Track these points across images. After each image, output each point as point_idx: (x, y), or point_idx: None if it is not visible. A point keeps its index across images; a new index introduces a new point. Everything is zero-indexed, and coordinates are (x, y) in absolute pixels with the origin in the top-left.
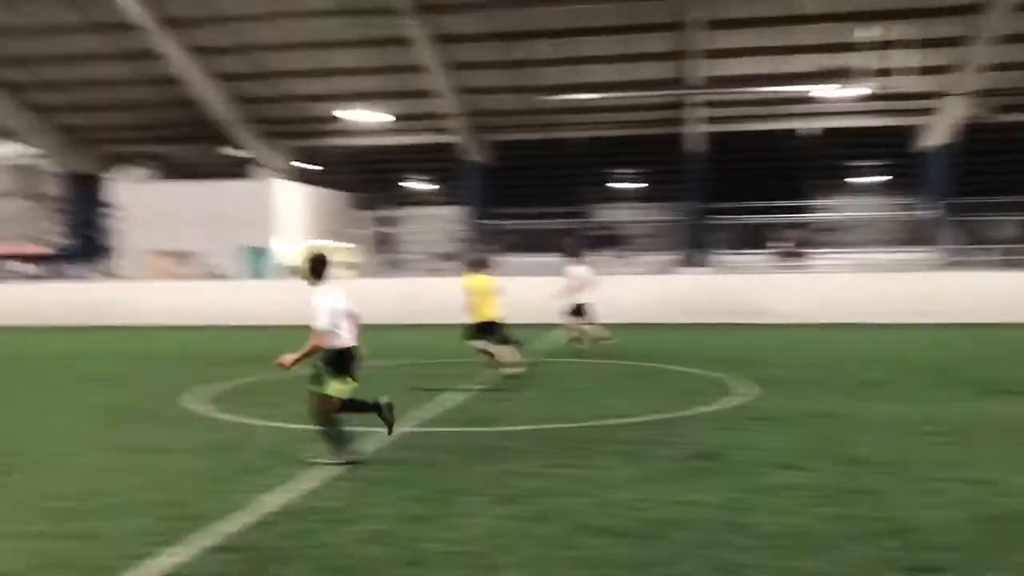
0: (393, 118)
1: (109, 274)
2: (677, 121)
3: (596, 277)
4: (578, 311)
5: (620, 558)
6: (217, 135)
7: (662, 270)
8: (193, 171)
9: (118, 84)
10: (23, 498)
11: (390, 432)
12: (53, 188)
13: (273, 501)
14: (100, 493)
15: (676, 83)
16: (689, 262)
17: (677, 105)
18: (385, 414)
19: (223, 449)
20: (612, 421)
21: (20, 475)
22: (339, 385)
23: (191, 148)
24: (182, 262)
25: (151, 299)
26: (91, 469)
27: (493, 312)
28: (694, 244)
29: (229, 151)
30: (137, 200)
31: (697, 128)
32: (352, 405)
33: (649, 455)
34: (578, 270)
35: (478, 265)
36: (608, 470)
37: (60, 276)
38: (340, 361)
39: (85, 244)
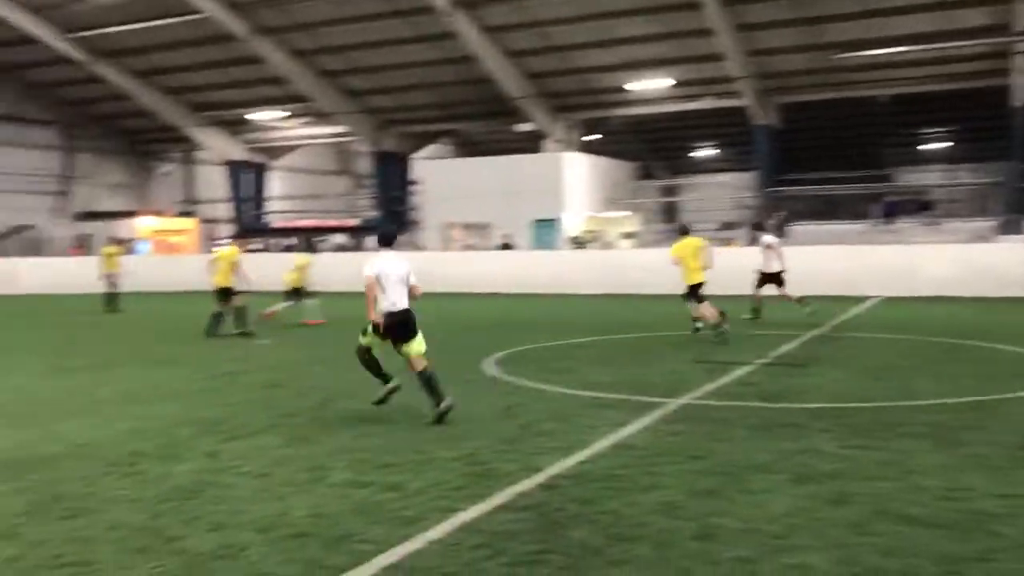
0: (678, 84)
1: (412, 245)
2: (999, 72)
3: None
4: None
5: (928, 549)
6: (509, 111)
7: (976, 238)
8: (486, 147)
9: (419, 66)
10: (335, 447)
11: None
12: (364, 166)
13: (560, 465)
14: (404, 448)
15: (1001, 30)
16: (1008, 229)
17: (1000, 55)
18: (383, 395)
19: (514, 412)
20: (917, 402)
21: (333, 426)
22: (366, 338)
23: (485, 124)
24: (477, 234)
25: (448, 268)
26: (397, 423)
27: (700, 275)
28: (1015, 209)
29: (520, 126)
30: (437, 176)
31: None
32: (368, 363)
33: (962, 441)
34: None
35: (684, 231)
36: (914, 454)
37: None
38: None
39: (390, 217)
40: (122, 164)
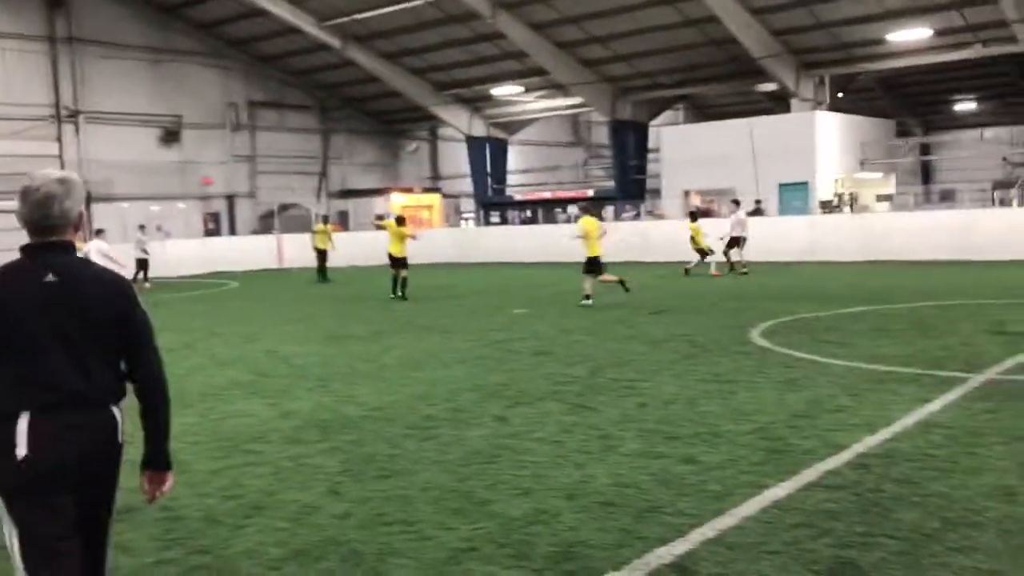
0: (937, 33)
1: (651, 214)
2: None
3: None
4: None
5: None
6: (751, 71)
7: None
8: (724, 111)
9: (657, 30)
10: (618, 417)
11: None
12: (598, 136)
13: (864, 443)
14: (689, 420)
15: None
16: None
17: None
18: None
19: (798, 385)
20: None
21: (610, 395)
22: None
23: (724, 87)
24: (720, 201)
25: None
26: (675, 396)
27: None
28: None
29: (762, 87)
30: (675, 142)
31: None
32: None
33: None
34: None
35: None
36: None
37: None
38: None
39: (627, 186)
40: (373, 144)
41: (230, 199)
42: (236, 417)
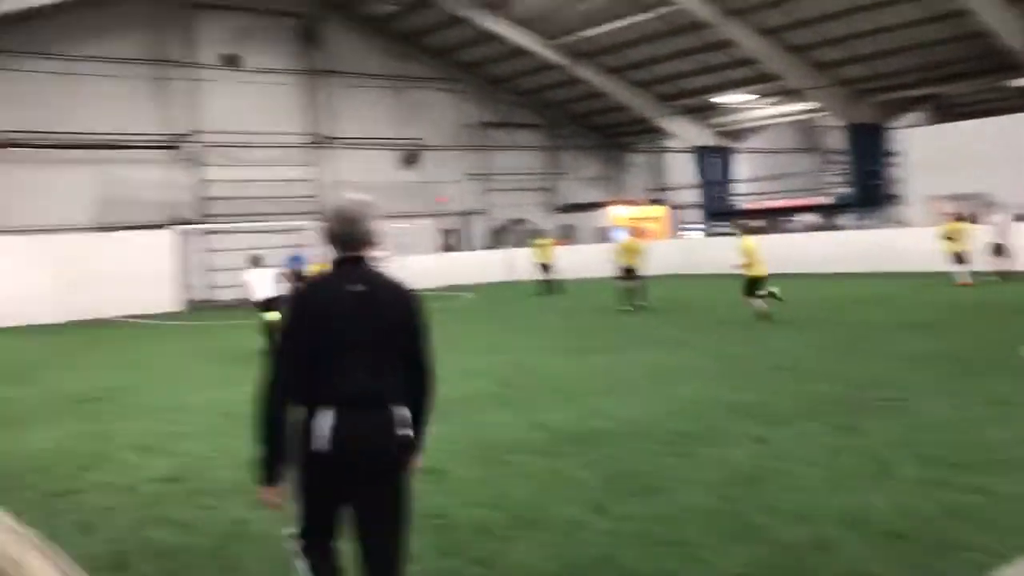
0: None
1: (892, 221)
2: None
3: None
4: None
5: None
6: (1005, 66)
7: None
8: (972, 109)
9: (898, 28)
10: (889, 439)
11: None
12: (832, 141)
13: None
14: (973, 446)
15: None
16: None
17: None
18: None
19: None
20: None
21: (874, 416)
22: None
23: (973, 84)
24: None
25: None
26: (951, 419)
27: None
28: None
29: (1016, 82)
30: (920, 145)
31: None
32: None
33: None
34: None
35: None
36: None
37: (836, 226)
38: None
39: (864, 193)
40: (597, 158)
41: (464, 216)
42: (491, 427)
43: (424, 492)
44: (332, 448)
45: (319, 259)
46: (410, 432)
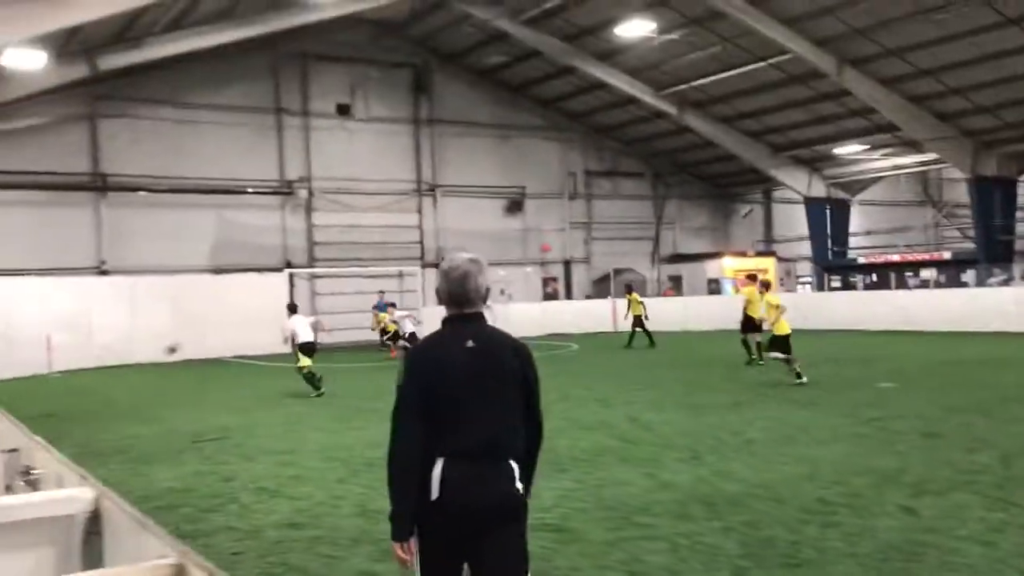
0: None
1: (1020, 278)
2: None
3: None
4: None
5: None
6: None
7: None
8: None
9: None
10: None
11: None
12: (951, 194)
13: None
14: None
15: None
16: None
17: None
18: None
19: None
20: None
21: None
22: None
23: None
24: None
25: None
26: None
27: None
28: None
29: None
30: None
31: None
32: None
33: None
34: None
35: None
36: None
37: (958, 282)
38: None
39: (990, 248)
40: (705, 208)
41: (567, 264)
42: (614, 485)
43: (554, 552)
44: (445, 498)
45: (395, 311)
46: (521, 486)
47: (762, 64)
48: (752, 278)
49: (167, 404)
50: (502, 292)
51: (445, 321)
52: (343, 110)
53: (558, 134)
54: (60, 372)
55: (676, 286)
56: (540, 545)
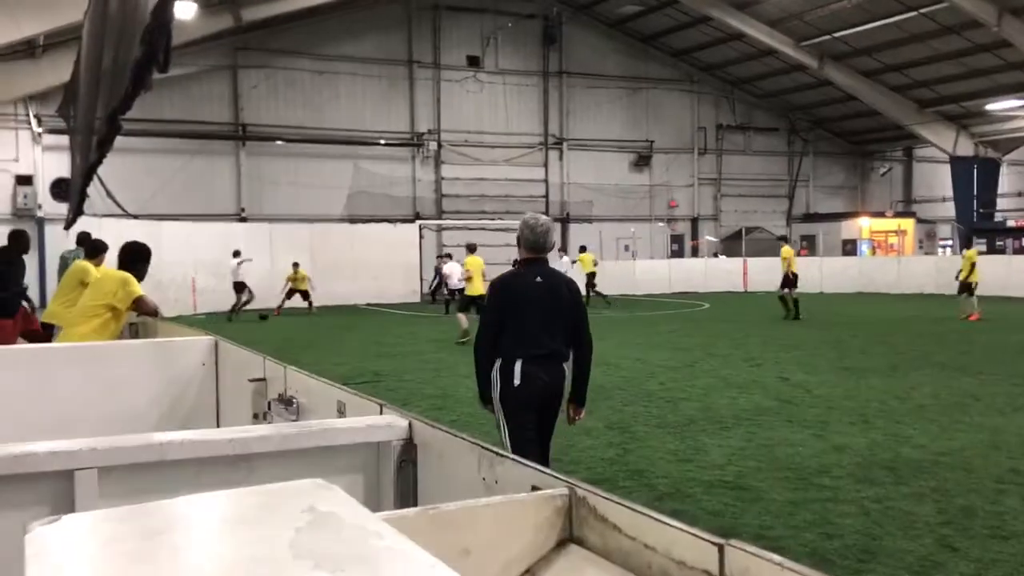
0: None
1: None
2: None
3: None
4: None
5: None
6: None
7: None
8: None
9: None
10: None
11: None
12: None
13: None
14: None
15: None
16: None
17: None
18: None
19: None
20: None
21: None
22: None
23: None
24: None
25: None
26: None
27: None
28: None
29: None
30: None
31: None
32: None
33: None
34: None
35: None
36: None
37: None
38: None
39: None
40: (841, 165)
41: (694, 221)
42: (785, 446)
43: (740, 511)
44: (524, 384)
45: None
46: (566, 378)
47: (913, 14)
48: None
49: (315, 347)
50: (626, 248)
51: (523, 262)
52: (473, 62)
53: (690, 86)
54: (204, 314)
55: (810, 246)
56: (722, 502)
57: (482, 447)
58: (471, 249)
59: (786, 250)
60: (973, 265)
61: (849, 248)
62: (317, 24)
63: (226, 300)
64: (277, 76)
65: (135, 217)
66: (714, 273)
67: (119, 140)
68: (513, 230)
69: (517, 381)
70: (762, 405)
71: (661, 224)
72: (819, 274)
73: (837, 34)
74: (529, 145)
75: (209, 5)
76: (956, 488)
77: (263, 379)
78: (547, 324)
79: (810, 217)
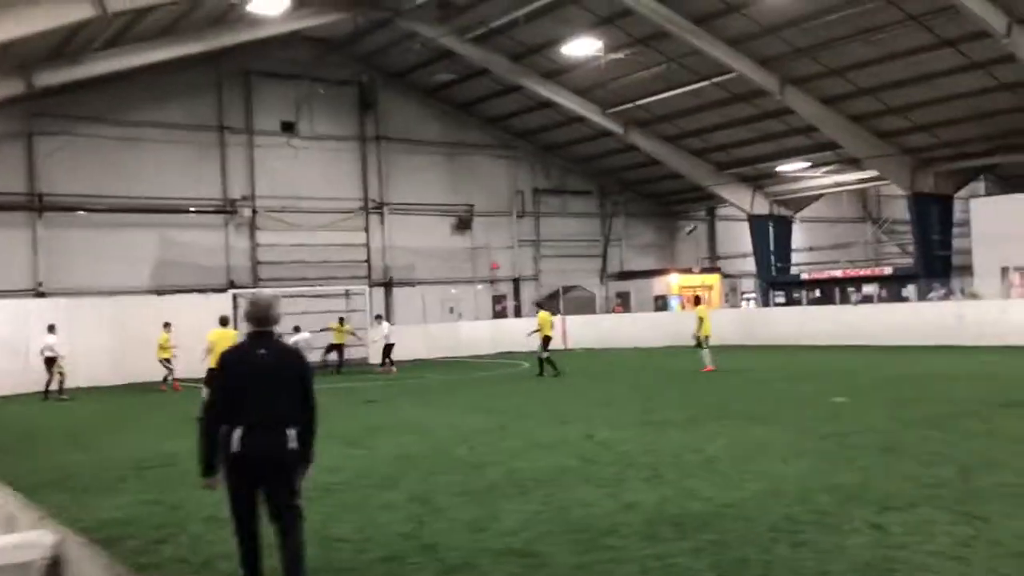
0: None
1: (959, 293)
2: None
3: None
4: None
5: None
6: None
7: None
8: None
9: (965, 96)
10: (1021, 532)
11: None
12: (891, 211)
13: None
14: None
15: None
16: None
17: None
18: None
19: None
20: None
21: (998, 504)
22: None
23: None
24: None
25: (1014, 316)
26: None
27: None
28: None
29: None
30: (990, 215)
31: None
32: None
33: None
34: None
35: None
36: None
37: (899, 297)
38: None
39: (928, 263)
40: (651, 225)
41: (516, 281)
42: (579, 506)
43: None
44: (243, 451)
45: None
46: (296, 445)
47: (706, 83)
48: (698, 300)
49: (106, 429)
50: (451, 311)
51: (248, 335)
52: (288, 127)
53: (506, 151)
54: None
55: (624, 303)
56: (507, 571)
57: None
58: (223, 323)
59: (543, 315)
60: (702, 320)
61: (660, 303)
62: (121, 89)
63: (21, 382)
64: (78, 143)
65: None
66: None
67: None
68: (335, 295)
69: (235, 447)
70: (565, 465)
71: (481, 286)
72: (633, 328)
73: (639, 102)
74: (349, 210)
75: None
76: (733, 539)
77: None
78: (268, 392)
79: (624, 275)
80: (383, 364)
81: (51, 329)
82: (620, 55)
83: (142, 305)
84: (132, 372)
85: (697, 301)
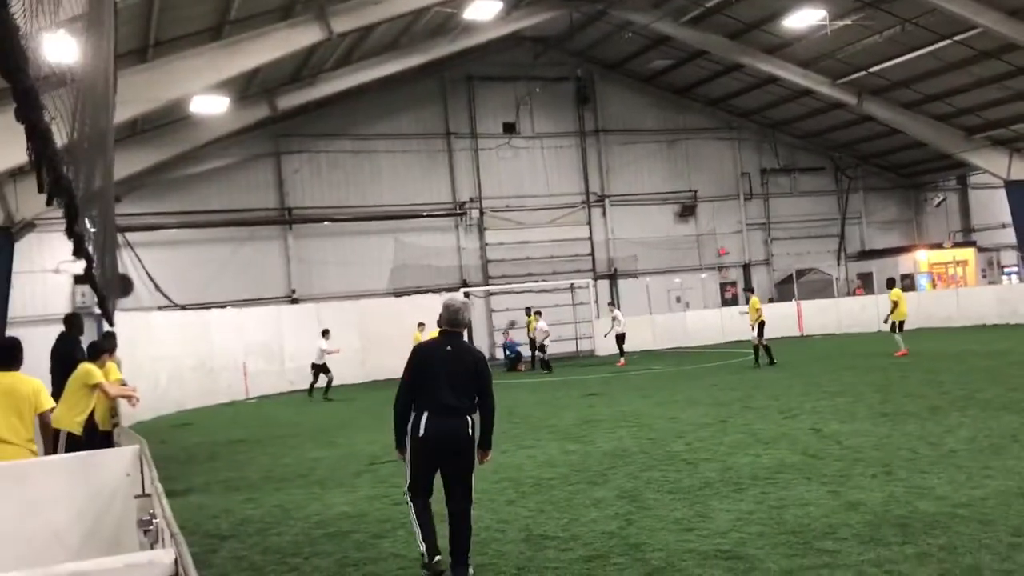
0: None
1: None
2: None
3: None
4: None
5: None
6: None
7: None
8: None
9: None
10: None
11: None
12: None
13: None
14: None
15: None
16: None
17: None
18: None
19: None
20: None
21: None
22: None
23: None
24: None
25: None
26: None
27: None
28: None
29: None
30: None
31: None
32: None
33: None
34: None
35: None
36: None
37: None
38: None
39: None
40: (894, 199)
41: (746, 267)
42: (796, 506)
43: None
44: (427, 434)
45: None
46: (473, 432)
47: (947, 42)
48: (892, 283)
49: (351, 426)
50: (678, 300)
51: (440, 334)
52: (509, 128)
53: (728, 133)
54: (256, 398)
55: (866, 284)
56: (711, 575)
57: None
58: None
59: (755, 300)
60: (896, 304)
61: (908, 283)
62: (354, 105)
63: (277, 382)
64: (319, 159)
65: (183, 308)
66: (769, 318)
67: (167, 234)
68: (560, 290)
69: (422, 431)
70: (785, 461)
71: (706, 274)
72: (876, 311)
73: (872, 69)
74: (571, 205)
75: (244, 97)
76: (966, 545)
77: (148, 495)
78: (450, 383)
79: (865, 254)
80: (622, 354)
81: (325, 334)
82: (847, 21)
83: (382, 306)
84: (375, 370)
85: (891, 284)
